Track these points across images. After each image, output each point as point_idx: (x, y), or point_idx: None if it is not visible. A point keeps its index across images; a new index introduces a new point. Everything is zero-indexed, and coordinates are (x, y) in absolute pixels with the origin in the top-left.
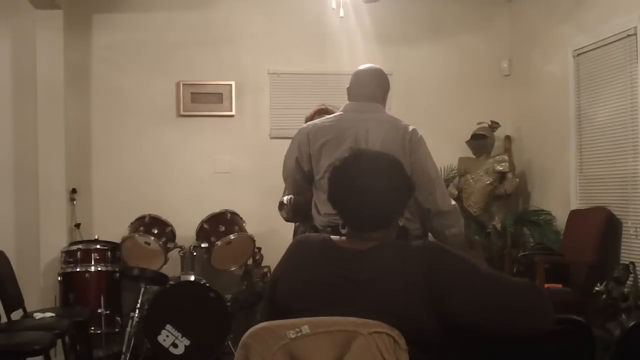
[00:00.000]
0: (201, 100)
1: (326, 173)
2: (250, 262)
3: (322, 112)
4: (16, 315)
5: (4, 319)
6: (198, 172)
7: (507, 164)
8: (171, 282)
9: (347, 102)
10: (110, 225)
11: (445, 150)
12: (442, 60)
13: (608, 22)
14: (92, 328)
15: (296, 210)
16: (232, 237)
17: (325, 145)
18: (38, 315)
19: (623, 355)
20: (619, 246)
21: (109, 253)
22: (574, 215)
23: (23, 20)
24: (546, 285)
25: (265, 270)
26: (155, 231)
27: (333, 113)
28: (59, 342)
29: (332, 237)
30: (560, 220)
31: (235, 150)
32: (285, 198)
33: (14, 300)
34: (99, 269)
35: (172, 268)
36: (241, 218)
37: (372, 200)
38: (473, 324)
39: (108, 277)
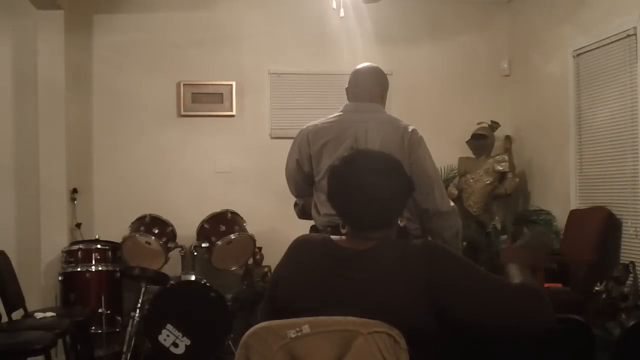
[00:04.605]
0: (202, 100)
1: (327, 174)
2: (250, 261)
3: None
4: (17, 315)
5: (5, 319)
6: (199, 172)
7: (507, 163)
8: (172, 282)
9: (347, 102)
10: (111, 225)
11: (445, 150)
12: (442, 60)
13: (608, 22)
14: (93, 328)
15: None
16: (232, 236)
17: (325, 146)
18: (39, 315)
19: (623, 355)
20: (619, 246)
21: (110, 253)
22: (574, 215)
23: (24, 21)
24: (546, 285)
25: (266, 269)
26: (156, 231)
27: None
28: (60, 341)
29: (332, 236)
30: (560, 220)
31: (236, 150)
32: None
33: (15, 299)
34: (100, 268)
35: (172, 268)
36: (242, 218)
37: (371, 199)
38: (472, 323)
39: (109, 276)
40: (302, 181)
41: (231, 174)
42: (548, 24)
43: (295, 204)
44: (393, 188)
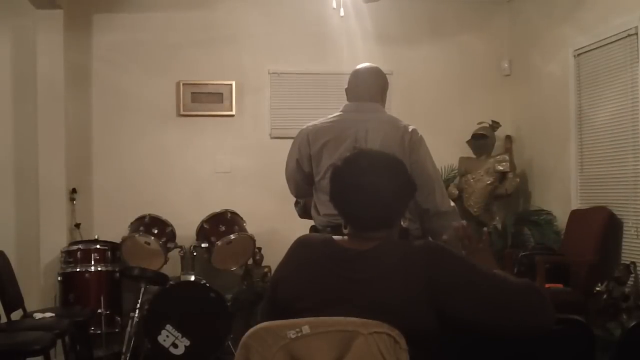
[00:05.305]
0: (201, 100)
1: (327, 174)
2: (250, 262)
3: None
4: (16, 315)
5: (4, 319)
6: (198, 172)
7: (508, 163)
8: (171, 282)
9: (347, 102)
10: (110, 225)
11: (445, 150)
12: (442, 60)
13: (608, 22)
14: (92, 328)
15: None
16: (232, 237)
17: (325, 146)
18: (38, 315)
19: (623, 355)
20: (620, 246)
21: (109, 253)
22: (575, 215)
23: (23, 20)
24: (547, 285)
25: (266, 270)
26: (156, 231)
27: None
28: (59, 342)
29: (334, 237)
30: (561, 220)
31: (236, 150)
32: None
33: (14, 300)
34: (99, 269)
35: (172, 268)
36: (241, 218)
37: (374, 200)
38: (473, 322)
39: (108, 277)
40: (302, 181)
41: (231, 174)
42: (548, 24)
43: (297, 203)
44: (395, 188)
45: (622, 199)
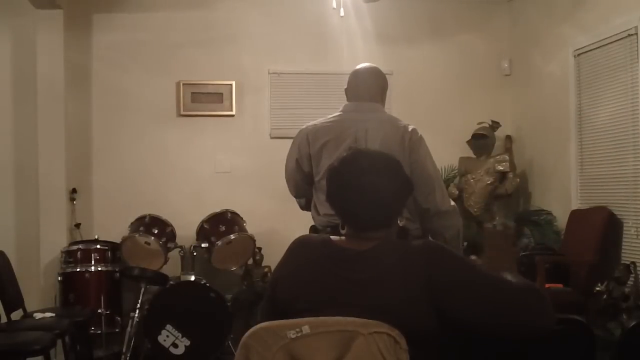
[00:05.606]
0: (201, 100)
1: (325, 173)
2: (250, 262)
3: None
4: (16, 315)
5: (4, 319)
6: (198, 172)
7: (508, 163)
8: (171, 282)
9: (346, 102)
10: (110, 225)
11: (445, 150)
12: (442, 60)
13: (608, 21)
14: (93, 328)
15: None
16: (232, 237)
17: (325, 145)
18: (38, 315)
19: (624, 356)
20: (620, 246)
21: (109, 253)
22: (575, 215)
23: (23, 20)
24: (547, 285)
25: (266, 270)
26: (156, 231)
27: None
28: (59, 342)
29: (332, 237)
30: (561, 220)
31: (236, 150)
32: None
33: (14, 300)
34: (99, 269)
35: (172, 268)
36: (241, 218)
37: (371, 200)
38: (473, 322)
39: (108, 277)
40: (301, 181)
41: (231, 174)
42: (548, 24)
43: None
44: (392, 188)
45: (622, 199)
